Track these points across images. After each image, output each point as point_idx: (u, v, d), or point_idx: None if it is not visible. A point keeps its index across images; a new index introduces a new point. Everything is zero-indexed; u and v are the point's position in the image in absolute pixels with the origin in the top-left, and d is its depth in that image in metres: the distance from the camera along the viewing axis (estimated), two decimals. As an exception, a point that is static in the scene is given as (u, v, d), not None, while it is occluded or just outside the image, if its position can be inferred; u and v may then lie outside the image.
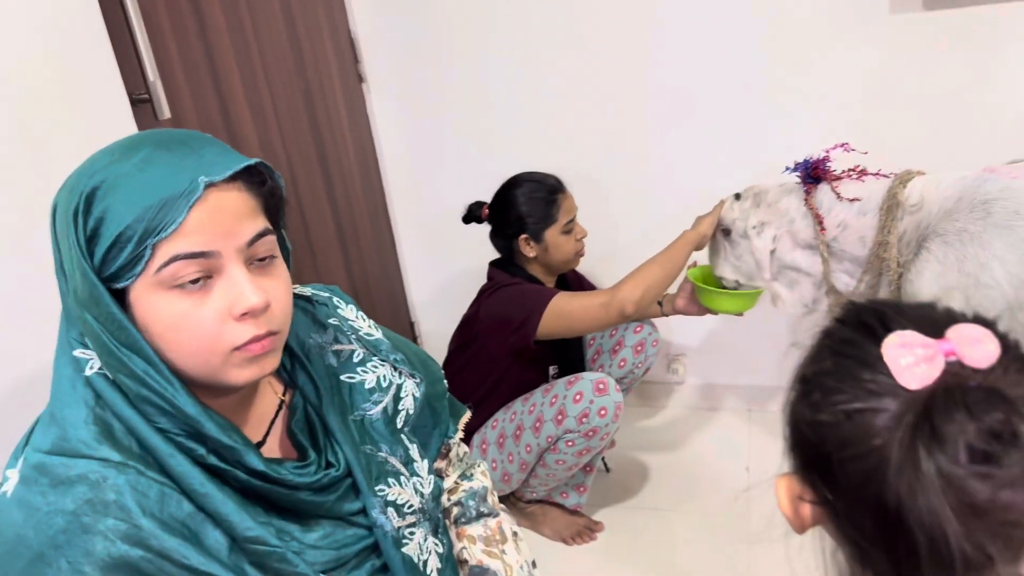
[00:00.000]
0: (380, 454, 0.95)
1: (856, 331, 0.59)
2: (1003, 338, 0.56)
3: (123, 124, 1.39)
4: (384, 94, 2.38)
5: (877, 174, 1.64)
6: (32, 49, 1.22)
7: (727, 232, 1.81)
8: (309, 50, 2.07)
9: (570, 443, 1.83)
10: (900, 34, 1.96)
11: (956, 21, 1.91)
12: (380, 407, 0.98)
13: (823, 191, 1.67)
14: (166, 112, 1.47)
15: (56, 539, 0.70)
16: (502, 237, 1.99)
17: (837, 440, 0.57)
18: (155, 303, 0.74)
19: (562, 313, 1.80)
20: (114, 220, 0.72)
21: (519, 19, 2.20)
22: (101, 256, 0.72)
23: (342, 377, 0.96)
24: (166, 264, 0.72)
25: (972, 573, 0.52)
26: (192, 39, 1.63)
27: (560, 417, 1.81)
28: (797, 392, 0.61)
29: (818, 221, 1.67)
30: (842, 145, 1.66)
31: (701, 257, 1.95)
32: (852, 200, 1.63)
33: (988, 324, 0.57)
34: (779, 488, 0.64)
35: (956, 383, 0.53)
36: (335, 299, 1.02)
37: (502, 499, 2.06)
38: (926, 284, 1.49)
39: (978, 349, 0.54)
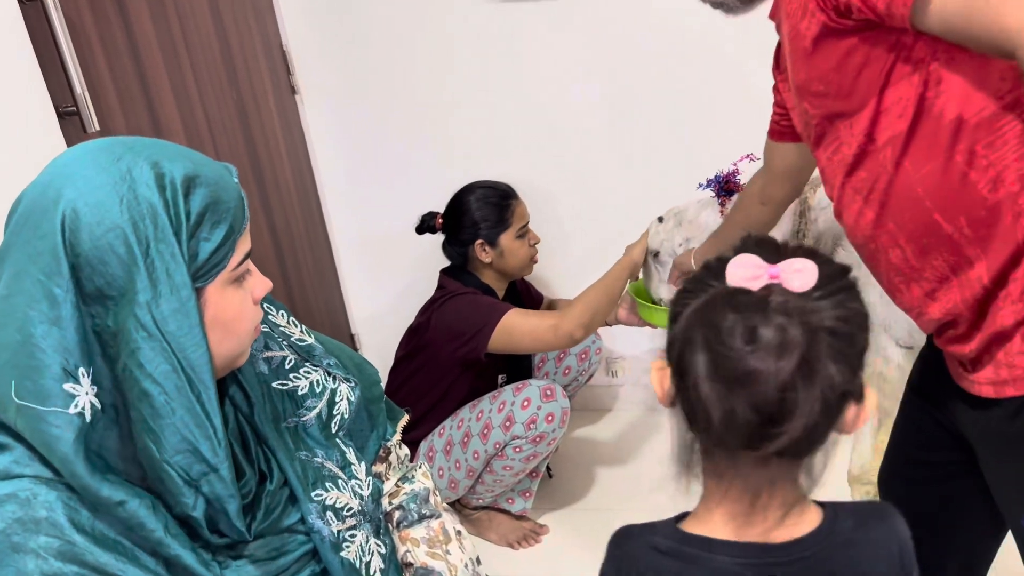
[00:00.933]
0: (316, 459, 0.95)
1: (730, 252, 0.70)
2: (830, 273, 0.68)
3: (50, 138, 1.36)
4: (318, 106, 2.38)
5: None
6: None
7: (656, 255, 1.87)
8: (241, 62, 2.06)
9: (518, 449, 1.85)
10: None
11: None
12: (314, 413, 0.97)
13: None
14: (95, 125, 1.45)
15: None
16: (457, 244, 2.00)
17: (674, 318, 0.70)
18: (227, 298, 0.80)
19: (513, 331, 1.83)
20: (222, 212, 0.77)
21: (454, 29, 2.22)
22: (211, 250, 0.76)
23: (274, 384, 0.96)
24: (243, 260, 0.80)
25: (755, 445, 0.65)
26: (121, 51, 1.61)
27: (508, 423, 1.83)
28: (676, 292, 0.74)
29: None
30: (747, 156, 1.74)
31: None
32: None
33: (821, 259, 0.68)
34: (652, 369, 0.74)
35: (743, 291, 0.66)
36: (265, 305, 1.01)
37: (448, 505, 2.06)
38: None
39: (796, 277, 0.65)
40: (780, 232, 1.70)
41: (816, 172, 1.67)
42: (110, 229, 0.71)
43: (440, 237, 2.06)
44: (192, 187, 0.75)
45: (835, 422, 0.67)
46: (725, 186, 1.77)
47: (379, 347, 2.53)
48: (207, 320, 0.77)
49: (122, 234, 0.71)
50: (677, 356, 0.68)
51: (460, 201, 1.98)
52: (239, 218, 0.79)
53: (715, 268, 0.69)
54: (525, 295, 2.23)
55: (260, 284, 0.85)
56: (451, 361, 1.93)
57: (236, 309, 0.81)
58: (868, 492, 1.69)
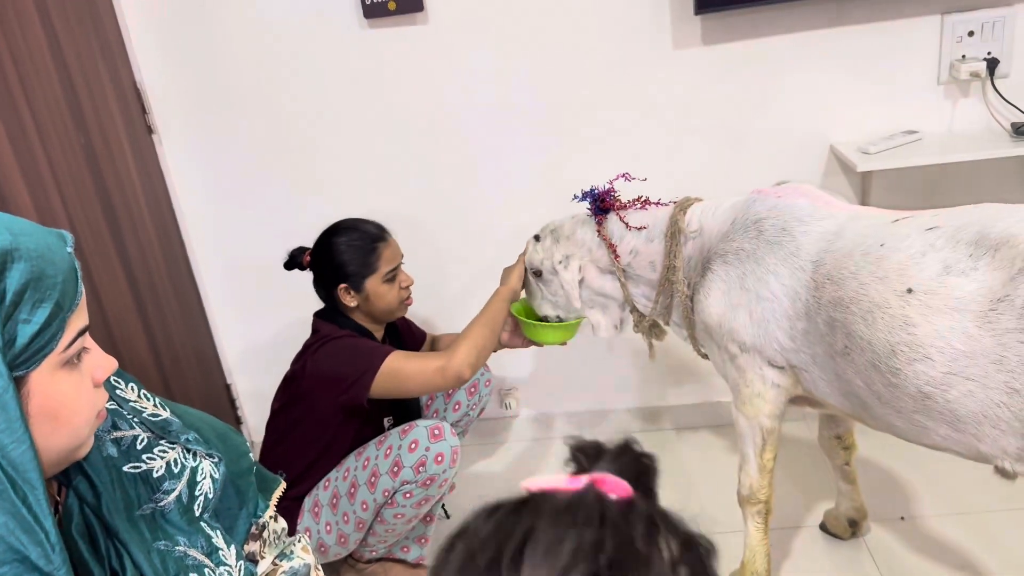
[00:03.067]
0: (178, 548, 0.86)
1: None
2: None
3: None
4: (178, 144, 2.25)
5: (658, 203, 1.76)
6: None
7: (538, 273, 1.86)
8: (89, 104, 1.91)
9: (408, 495, 1.78)
10: (683, 68, 2.09)
11: (733, 55, 2.07)
12: (173, 496, 0.88)
13: (612, 221, 1.77)
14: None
15: None
16: (323, 286, 1.92)
17: None
18: (58, 383, 0.70)
19: (397, 375, 1.76)
20: (45, 289, 0.68)
21: (320, 59, 2.15)
22: (32, 334, 0.67)
23: (125, 468, 0.86)
24: (75, 339, 0.71)
25: None
26: (-60, 97, 1.46)
27: (396, 469, 1.75)
28: None
29: (612, 249, 1.76)
30: (623, 175, 1.77)
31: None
32: (639, 228, 1.73)
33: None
34: None
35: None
36: (112, 379, 0.92)
37: (339, 561, 1.97)
38: (714, 303, 1.59)
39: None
40: (651, 255, 1.72)
41: (686, 196, 1.72)
42: None
43: (307, 273, 1.97)
44: (8, 263, 0.66)
45: None
46: (601, 204, 1.78)
47: (257, 395, 2.41)
48: (32, 411, 0.68)
49: None
50: None
51: (326, 243, 1.89)
52: (69, 293, 0.70)
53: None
54: (406, 334, 2.16)
55: (101, 364, 0.77)
56: (332, 409, 1.83)
57: (69, 396, 0.72)
58: (759, 511, 1.71)
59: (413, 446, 1.76)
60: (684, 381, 2.49)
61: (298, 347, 1.95)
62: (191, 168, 2.28)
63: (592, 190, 1.78)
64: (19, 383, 0.67)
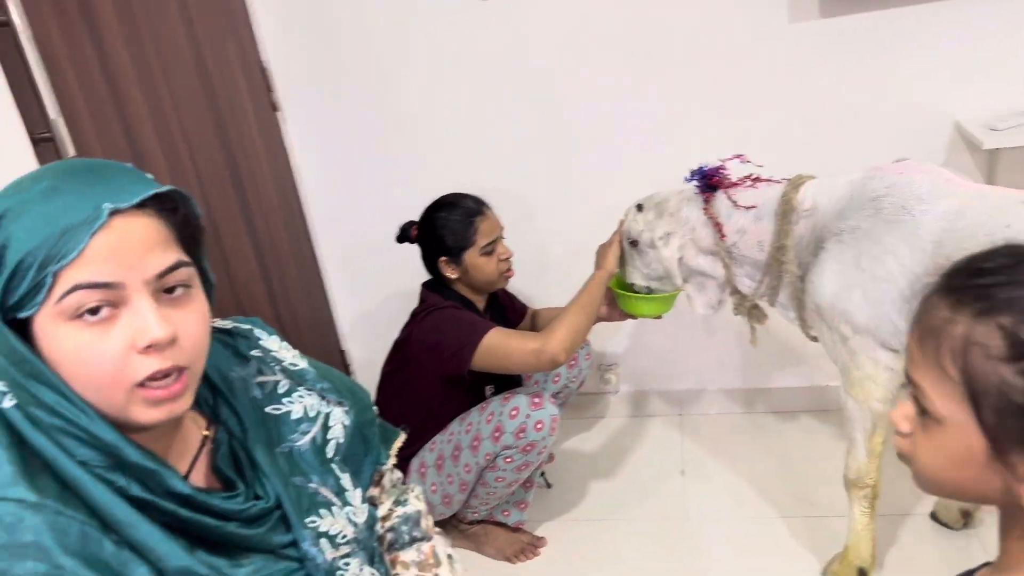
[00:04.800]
0: (311, 485, 0.93)
1: None
2: None
3: (25, 165, 1.34)
4: (300, 121, 2.36)
5: (769, 180, 1.71)
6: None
7: (634, 243, 1.86)
8: (219, 81, 2.03)
9: (508, 459, 1.83)
10: (799, 41, 2.05)
11: (852, 28, 2.00)
12: (308, 437, 0.96)
13: (720, 199, 1.74)
14: (70, 150, 1.43)
15: None
16: (427, 259, 1.99)
17: None
18: (58, 334, 0.72)
19: (495, 352, 1.82)
20: (15, 247, 0.70)
21: (435, 38, 2.21)
22: (3, 284, 0.70)
23: (267, 409, 0.94)
24: (67, 293, 0.70)
25: None
26: (94, 74, 1.59)
27: (497, 434, 1.81)
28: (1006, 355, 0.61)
29: (717, 229, 1.73)
30: (738, 156, 1.73)
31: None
32: (748, 207, 1.69)
33: None
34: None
35: None
36: (256, 331, 1.00)
37: (443, 522, 2.05)
38: (827, 283, 1.56)
39: None
40: (760, 235, 1.69)
41: (798, 174, 1.69)
42: None
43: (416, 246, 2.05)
44: (1, 222, 0.71)
45: None
46: (709, 181, 1.75)
47: (369, 362, 2.51)
48: (44, 356, 0.73)
49: None
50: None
51: (428, 218, 1.97)
52: (59, 248, 0.70)
53: None
54: (508, 307, 2.21)
55: (140, 329, 0.72)
56: (435, 376, 1.91)
57: (70, 350, 0.72)
58: (866, 496, 1.68)
59: (514, 413, 1.81)
60: (788, 364, 2.45)
61: (407, 317, 2.04)
62: (312, 144, 2.39)
63: (701, 168, 1.76)
64: (26, 325, 0.72)
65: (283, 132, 2.35)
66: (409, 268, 2.08)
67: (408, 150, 2.36)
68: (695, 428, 2.50)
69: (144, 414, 0.75)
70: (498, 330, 1.84)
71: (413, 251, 2.05)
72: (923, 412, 0.68)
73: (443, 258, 1.94)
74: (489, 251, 1.94)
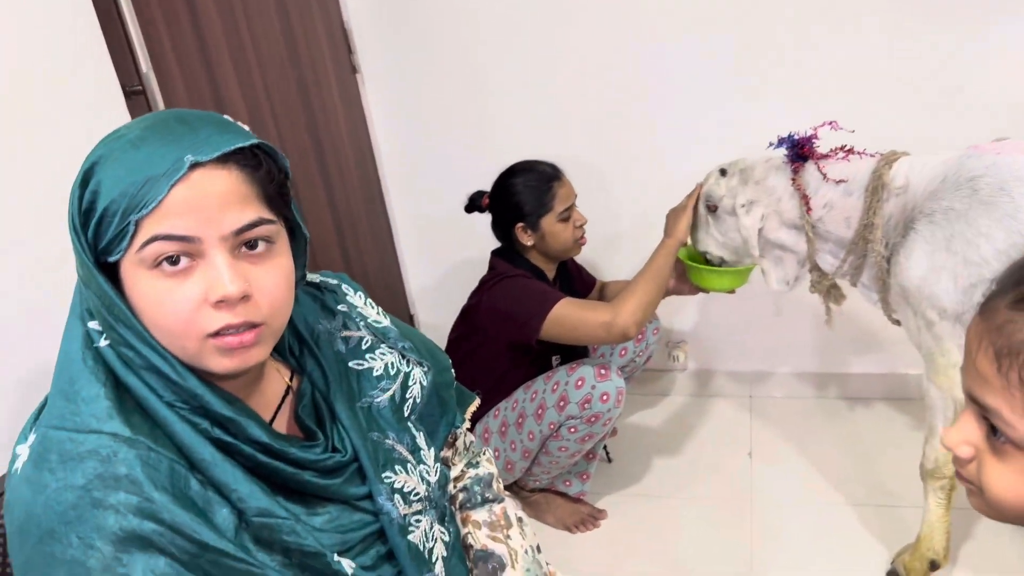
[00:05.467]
0: (387, 441, 0.94)
1: None
2: None
3: (117, 116, 1.38)
4: (379, 85, 2.37)
5: (862, 153, 1.63)
6: (25, 44, 1.21)
7: (713, 209, 1.80)
8: (303, 41, 2.05)
9: (572, 429, 1.83)
10: (894, 13, 1.95)
11: (952, 1, 1.90)
12: (388, 394, 0.97)
13: (810, 171, 1.66)
14: (160, 103, 1.46)
15: (66, 515, 0.69)
16: (501, 226, 1.98)
17: None
18: (139, 281, 0.73)
19: (564, 323, 1.80)
20: (104, 194, 0.72)
21: (515, 13, 2.18)
22: (93, 229, 0.72)
23: (350, 364, 0.95)
24: (147, 243, 0.71)
25: None
26: (185, 29, 1.62)
27: (562, 403, 1.81)
28: None
29: (804, 201, 1.66)
30: (830, 123, 1.64)
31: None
32: (838, 181, 1.62)
33: None
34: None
35: None
36: (344, 286, 1.01)
37: (505, 488, 2.06)
38: (915, 265, 1.49)
39: None
40: (848, 211, 1.63)
41: (892, 150, 1.62)
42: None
43: (486, 216, 2.04)
44: (99, 162, 0.73)
45: None
46: (800, 150, 1.67)
47: (436, 327, 2.53)
48: (128, 299, 0.75)
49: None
50: None
51: (503, 184, 1.95)
52: (140, 197, 0.71)
53: None
54: (577, 278, 2.19)
55: (213, 284, 0.73)
56: (503, 344, 1.91)
57: (149, 297, 0.73)
58: (943, 487, 1.63)
59: (579, 383, 1.80)
60: (865, 349, 2.38)
61: (474, 284, 2.04)
62: (390, 108, 2.40)
63: (791, 135, 1.68)
64: (115, 269, 0.75)
65: (361, 94, 2.36)
66: (479, 236, 2.08)
67: (483, 117, 2.35)
68: (764, 410, 2.45)
69: (216, 363, 0.76)
70: (568, 300, 1.82)
71: (483, 219, 2.05)
72: (995, 433, 0.63)
73: (520, 224, 1.92)
74: (565, 217, 1.92)
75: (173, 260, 0.72)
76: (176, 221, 0.71)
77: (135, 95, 1.44)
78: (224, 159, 0.73)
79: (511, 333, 1.86)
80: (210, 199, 0.72)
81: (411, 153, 2.46)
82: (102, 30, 1.35)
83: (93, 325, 0.77)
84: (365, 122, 2.38)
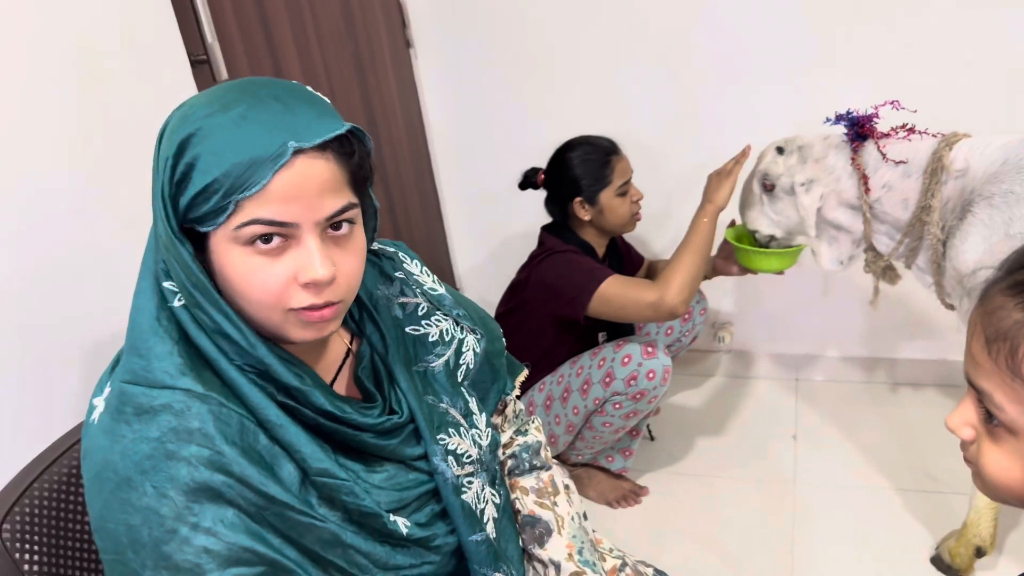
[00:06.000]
0: (441, 405, 0.97)
1: None
2: None
3: (184, 85, 1.42)
4: (431, 60, 2.39)
5: (924, 133, 1.61)
6: (96, 12, 1.24)
7: (770, 188, 1.78)
8: (359, 14, 2.08)
9: (617, 405, 1.84)
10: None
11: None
12: (443, 360, 0.99)
13: (869, 150, 1.64)
14: (224, 74, 1.50)
15: (142, 464, 0.73)
16: (557, 201, 1.98)
17: None
18: (231, 254, 0.76)
19: (612, 301, 1.79)
20: (204, 169, 0.73)
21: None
22: (188, 201, 0.75)
23: (407, 329, 0.98)
24: (246, 224, 0.74)
25: None
26: (248, 2, 1.65)
27: (608, 379, 1.82)
28: None
29: (864, 182, 1.64)
30: (892, 103, 1.62)
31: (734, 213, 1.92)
32: (898, 162, 1.60)
33: None
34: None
35: None
36: (401, 254, 1.04)
37: (549, 461, 2.09)
38: (972, 248, 1.47)
39: None
40: (906, 192, 1.61)
41: (953, 131, 1.59)
42: (157, 157, 0.79)
43: (542, 193, 2.04)
44: (187, 146, 0.75)
45: None
46: (860, 130, 1.64)
47: (481, 301, 2.54)
48: (215, 269, 0.78)
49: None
50: None
51: (561, 158, 1.95)
52: (243, 179, 0.73)
53: None
54: (626, 256, 2.20)
55: (305, 266, 0.76)
56: (550, 319, 1.93)
57: (239, 271, 0.77)
58: None
59: (626, 360, 1.82)
60: (915, 335, 2.35)
61: (520, 261, 2.05)
62: (442, 83, 2.41)
63: (850, 112, 1.66)
64: (204, 239, 0.77)
65: (414, 69, 2.38)
66: (528, 211, 2.09)
67: (534, 94, 2.35)
68: (810, 393, 2.43)
69: (296, 333, 0.80)
70: (616, 278, 1.82)
71: (532, 195, 2.06)
72: (990, 418, 0.64)
73: (578, 199, 1.93)
74: (623, 192, 1.93)
75: (266, 239, 0.75)
76: (277, 207, 0.74)
77: (200, 64, 1.47)
78: (324, 146, 0.76)
79: (558, 308, 1.88)
80: (311, 186, 0.75)
81: (461, 129, 2.47)
82: (171, 1, 1.39)
83: (168, 285, 0.80)
84: (417, 97, 2.41)
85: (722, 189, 1.81)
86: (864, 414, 2.30)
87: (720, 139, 2.22)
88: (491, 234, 2.61)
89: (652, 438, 2.30)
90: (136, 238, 0.81)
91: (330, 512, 0.82)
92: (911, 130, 1.62)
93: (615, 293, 1.80)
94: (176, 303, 0.79)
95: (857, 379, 2.46)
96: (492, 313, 2.10)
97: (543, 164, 2.05)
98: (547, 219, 2.06)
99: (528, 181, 2.05)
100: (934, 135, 1.59)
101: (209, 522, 0.73)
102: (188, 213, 0.75)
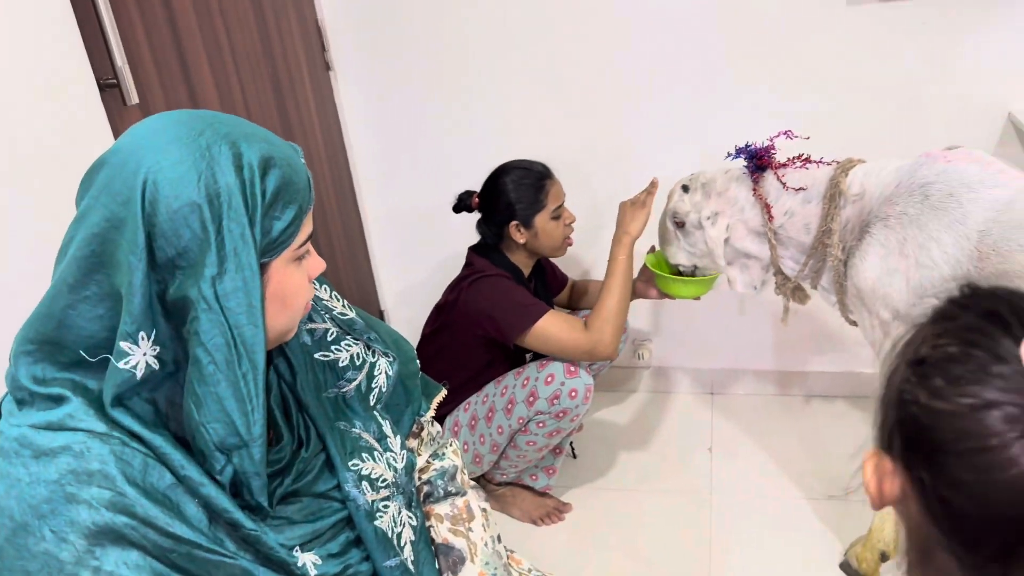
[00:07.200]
0: (354, 430, 0.98)
1: (985, 321, 0.57)
2: None
3: (91, 110, 1.39)
4: (352, 83, 2.39)
5: (819, 162, 1.70)
6: (0, 35, 1.21)
7: (680, 224, 1.86)
8: (277, 37, 2.07)
9: (541, 424, 1.87)
10: (856, 25, 2.02)
11: (910, 13, 1.97)
12: (354, 384, 1.00)
13: (769, 180, 1.73)
14: (134, 98, 1.47)
15: (39, 509, 0.71)
16: (492, 224, 2.00)
17: (955, 431, 0.55)
18: (290, 274, 0.82)
19: (547, 340, 1.85)
20: (292, 193, 0.79)
21: (491, 9, 2.21)
22: (281, 228, 0.78)
23: (316, 355, 0.98)
24: (306, 240, 0.83)
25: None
26: (160, 23, 1.63)
27: (531, 399, 1.85)
28: (911, 373, 0.59)
29: (766, 210, 1.73)
30: (785, 133, 1.72)
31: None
32: (797, 189, 1.69)
33: None
34: (868, 464, 0.63)
35: None
36: None
37: (473, 481, 2.10)
38: (870, 267, 1.56)
39: None
40: (807, 217, 1.69)
41: (849, 157, 1.68)
42: (186, 204, 0.73)
43: (470, 215, 2.07)
44: (268, 168, 0.77)
45: None
46: (758, 162, 1.74)
47: (408, 323, 2.56)
48: (268, 293, 0.79)
49: (198, 210, 0.73)
50: (945, 468, 0.56)
51: (495, 182, 1.98)
52: (306, 198, 0.81)
53: (985, 346, 0.55)
54: (550, 275, 2.24)
55: (316, 264, 0.88)
56: (478, 341, 1.95)
57: (295, 285, 0.83)
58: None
59: (549, 379, 1.85)
60: (824, 349, 2.45)
61: (447, 280, 2.07)
62: (363, 106, 2.41)
63: (748, 146, 1.74)
64: (262, 269, 0.78)
65: (335, 92, 2.38)
66: (451, 233, 2.10)
67: (456, 116, 2.37)
68: (726, 407, 2.51)
69: (294, 330, 0.89)
70: (552, 315, 1.86)
71: (458, 216, 2.08)
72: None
73: (514, 223, 1.95)
74: (557, 215, 1.97)
75: (303, 255, 0.85)
76: (309, 222, 0.84)
77: (109, 88, 1.45)
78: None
79: (490, 333, 1.90)
80: None
81: (384, 151, 2.48)
82: (78, 23, 1.36)
83: (127, 347, 0.75)
84: (338, 120, 2.40)
85: (637, 220, 1.89)
86: (777, 426, 2.38)
87: (641, 159, 2.30)
88: (416, 254, 2.61)
89: (575, 455, 2.33)
90: (44, 264, 0.79)
91: (240, 551, 0.81)
92: (807, 159, 1.72)
93: (551, 334, 1.85)
94: (123, 365, 0.75)
95: (770, 392, 2.55)
96: (417, 333, 2.12)
97: (468, 185, 2.07)
98: (472, 238, 2.08)
99: (462, 204, 2.07)
100: (829, 163, 1.69)
101: (112, 565, 0.71)
102: (272, 240, 0.78)
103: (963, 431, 0.54)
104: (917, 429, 0.58)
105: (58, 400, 0.75)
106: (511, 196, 1.94)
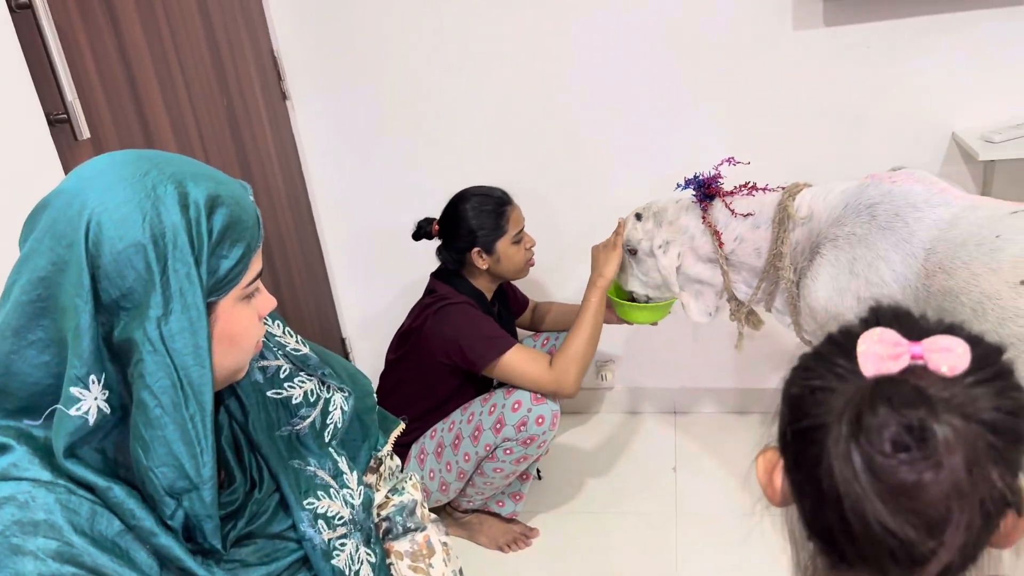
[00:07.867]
0: (309, 468, 0.96)
1: (859, 325, 0.62)
2: (982, 354, 0.59)
3: (40, 145, 1.37)
4: (309, 112, 2.39)
5: (765, 189, 1.75)
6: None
7: (633, 252, 1.89)
8: (231, 68, 2.06)
9: (508, 451, 1.87)
10: (802, 49, 2.07)
11: (855, 37, 2.03)
12: (308, 421, 0.99)
13: (718, 208, 1.78)
14: (85, 132, 1.45)
15: None
16: (453, 251, 2.00)
17: (798, 411, 0.62)
18: (239, 313, 0.82)
19: (512, 373, 1.87)
20: (240, 231, 0.78)
21: (445, 37, 2.23)
22: (228, 268, 0.78)
23: (269, 393, 0.97)
24: (255, 279, 0.82)
25: (905, 565, 0.56)
26: (112, 58, 1.61)
27: (499, 426, 1.85)
28: (791, 369, 0.66)
29: (716, 237, 1.77)
30: (728, 160, 1.77)
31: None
32: (746, 215, 1.73)
33: (969, 337, 0.60)
34: (759, 461, 0.68)
35: (894, 379, 0.58)
36: None
37: (438, 510, 2.08)
38: (822, 287, 1.59)
39: (944, 357, 0.57)
40: (757, 242, 1.73)
41: (795, 182, 1.72)
42: (131, 245, 0.73)
43: (432, 241, 2.07)
44: (215, 207, 0.77)
45: (990, 537, 0.59)
46: (706, 191, 1.79)
47: (370, 351, 2.55)
48: (215, 333, 0.78)
49: (142, 250, 0.73)
50: (798, 451, 0.61)
51: (456, 209, 1.98)
52: (255, 236, 0.81)
53: (840, 343, 0.61)
54: (512, 298, 2.25)
55: (266, 302, 0.87)
56: (444, 368, 1.94)
57: (244, 325, 0.82)
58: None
59: (516, 406, 1.85)
60: (782, 366, 2.47)
61: (409, 305, 2.06)
62: (320, 135, 2.41)
63: (696, 176, 1.79)
64: (209, 309, 0.77)
65: (292, 121, 2.37)
66: (412, 259, 2.09)
67: (419, 142, 2.38)
68: (688, 426, 2.53)
69: (245, 368, 0.89)
70: (518, 350, 1.87)
71: (418, 243, 2.08)
72: None
73: (476, 249, 1.96)
74: (518, 240, 1.98)
75: (251, 293, 0.84)
76: (258, 260, 0.83)
77: (59, 123, 1.43)
78: None
79: (455, 360, 1.90)
80: None
81: (342, 177, 2.47)
82: (25, 58, 1.35)
83: (78, 392, 0.74)
84: (295, 148, 2.40)
85: (611, 263, 1.91)
86: (740, 443, 2.40)
87: (597, 188, 2.32)
88: (378, 283, 2.60)
89: (540, 477, 2.33)
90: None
91: None
92: (753, 187, 1.77)
93: (517, 369, 1.87)
94: (74, 412, 0.73)
95: (732, 410, 2.57)
96: (380, 360, 2.10)
97: (428, 210, 2.08)
98: (433, 265, 2.08)
99: (422, 232, 2.07)
100: (775, 189, 1.73)
101: None
102: (219, 279, 0.78)
103: (803, 411, 0.61)
104: (781, 418, 0.65)
105: (1, 449, 0.73)
106: (472, 223, 1.95)
